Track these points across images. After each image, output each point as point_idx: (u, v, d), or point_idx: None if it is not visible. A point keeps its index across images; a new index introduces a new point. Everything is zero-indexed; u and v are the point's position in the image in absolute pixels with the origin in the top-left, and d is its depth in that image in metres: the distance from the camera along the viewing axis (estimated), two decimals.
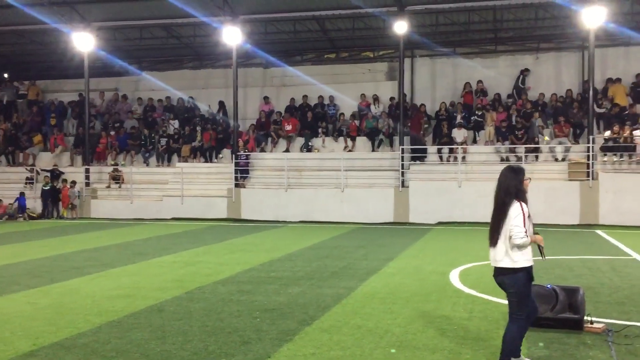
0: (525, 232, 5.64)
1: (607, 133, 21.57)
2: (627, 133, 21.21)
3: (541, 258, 6.01)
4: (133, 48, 29.32)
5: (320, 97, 26.93)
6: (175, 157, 26.82)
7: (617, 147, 21.30)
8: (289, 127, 25.77)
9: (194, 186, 24.74)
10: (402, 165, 22.88)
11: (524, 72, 25.18)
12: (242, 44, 25.09)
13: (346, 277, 11.04)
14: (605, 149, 21.38)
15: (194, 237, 17.92)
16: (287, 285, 10.25)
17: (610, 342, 6.84)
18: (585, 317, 7.47)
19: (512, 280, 5.74)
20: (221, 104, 27.91)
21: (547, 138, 22.53)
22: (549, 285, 7.73)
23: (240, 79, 26.12)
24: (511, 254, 5.70)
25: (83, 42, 25.58)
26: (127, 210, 25.04)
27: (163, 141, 27.08)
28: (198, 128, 26.96)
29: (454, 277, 11.05)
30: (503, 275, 5.79)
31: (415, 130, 24.21)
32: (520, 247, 5.65)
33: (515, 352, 5.87)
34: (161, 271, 11.86)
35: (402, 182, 22.74)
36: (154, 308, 8.61)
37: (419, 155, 23.50)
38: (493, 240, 5.80)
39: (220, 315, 8.14)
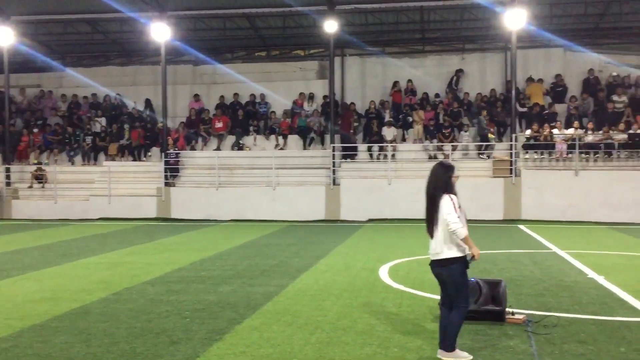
0: (459, 219, 5.95)
1: (528, 132, 22.40)
2: (547, 132, 22.09)
3: (468, 261, 6.20)
4: (56, 43, 28.38)
5: (252, 95, 26.81)
6: (102, 156, 26.12)
7: (538, 145, 22.17)
8: (219, 125, 25.53)
9: (122, 185, 24.16)
10: (334, 163, 23.07)
11: (459, 72, 25.82)
12: (170, 40, 24.67)
13: (277, 275, 11.05)
14: (527, 147, 22.21)
15: (121, 238, 17.51)
16: (218, 285, 10.17)
17: (530, 332, 7.13)
18: (507, 309, 7.77)
19: (449, 271, 6.05)
20: (147, 102, 27.36)
21: (492, 136, 23.13)
22: (473, 279, 7.96)
23: (169, 76, 25.69)
24: (447, 246, 6.01)
25: (2, 36, 24.54)
26: (51, 211, 24.20)
27: (89, 139, 26.32)
28: (126, 126, 26.33)
29: (384, 272, 11.24)
30: (440, 267, 6.08)
31: (345, 128, 24.45)
32: (457, 234, 5.92)
33: (455, 342, 6.14)
34: (86, 273, 11.54)
35: (334, 180, 22.92)
36: (79, 311, 8.38)
37: (349, 154, 23.75)
38: (430, 233, 6.14)
39: (148, 316, 8.00)
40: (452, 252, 6.02)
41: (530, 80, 24.95)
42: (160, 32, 23.58)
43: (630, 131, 21.55)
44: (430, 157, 22.86)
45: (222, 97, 26.94)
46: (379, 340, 6.90)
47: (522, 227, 19.49)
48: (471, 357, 6.12)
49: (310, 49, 28.46)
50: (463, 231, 5.94)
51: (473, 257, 6.10)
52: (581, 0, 23.78)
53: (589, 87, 24.47)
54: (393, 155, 22.97)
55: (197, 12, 25.01)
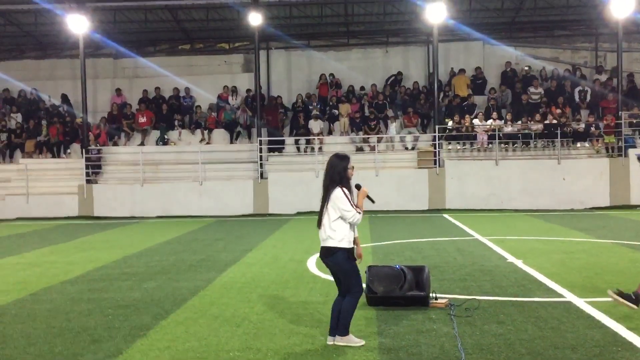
0: (356, 209, 6.13)
1: (450, 123, 22.98)
2: (467, 122, 22.72)
3: (372, 202, 6.53)
4: None
5: (176, 89, 26.32)
6: (18, 153, 25.04)
7: (460, 136, 22.78)
8: (143, 120, 24.94)
9: (41, 183, 23.25)
10: (261, 157, 22.97)
11: (399, 75, 26.06)
12: (89, 33, 23.88)
13: (204, 270, 10.91)
14: (449, 138, 22.78)
15: (40, 237, 16.85)
16: (142, 281, 9.95)
17: (452, 315, 7.32)
18: (430, 294, 7.95)
19: (334, 259, 6.19)
20: (64, 97, 26.40)
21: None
22: (397, 266, 8.12)
23: (89, 69, 24.91)
24: (333, 235, 6.15)
25: None
26: None
27: (3, 136, 25.18)
28: (43, 122, 25.35)
29: (312, 264, 11.28)
30: (327, 257, 6.23)
31: (274, 123, 24.36)
32: (356, 223, 6.18)
33: (348, 327, 6.26)
34: (2, 274, 11.04)
35: (261, 173, 22.83)
36: None
37: (277, 147, 23.70)
38: (320, 223, 6.25)
39: (68, 315, 7.73)
40: (334, 243, 6.15)
41: (454, 72, 25.57)
42: (78, 24, 22.78)
43: (546, 122, 22.44)
44: (357, 150, 23.09)
45: (145, 91, 26.32)
46: (306, 329, 6.92)
47: (446, 215, 19.99)
48: (363, 342, 6.23)
49: (235, 42, 28.20)
50: (360, 217, 6.16)
51: (369, 197, 6.40)
52: None
53: (507, 80, 25.33)
54: (320, 148, 23.07)
55: (117, 3, 24.32)
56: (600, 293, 8.36)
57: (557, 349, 6.03)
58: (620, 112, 22.01)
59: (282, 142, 23.84)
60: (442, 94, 24.24)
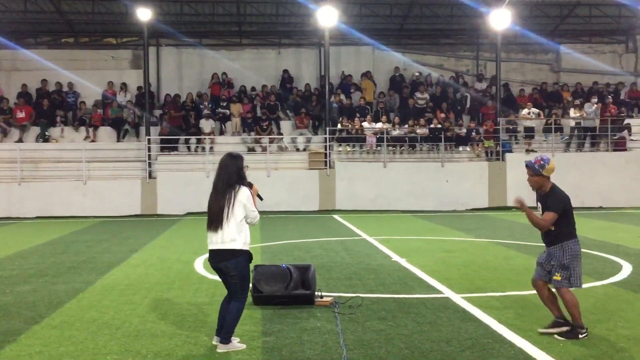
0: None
1: (339, 125, 23.40)
2: (357, 125, 23.23)
3: (261, 199, 6.54)
4: None
5: (58, 83, 25.09)
6: None
7: (350, 138, 23.25)
8: (21, 115, 23.53)
9: None
10: (149, 156, 22.36)
11: (284, 73, 26.07)
12: None
13: (85, 272, 10.47)
14: (339, 140, 23.19)
15: None
16: (16, 284, 9.40)
17: (336, 312, 7.45)
18: (316, 292, 8.05)
19: (237, 262, 6.05)
20: None
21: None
22: (283, 265, 8.16)
23: None
24: (238, 236, 6.02)
25: None
26: None
27: None
28: None
29: (199, 264, 11.12)
30: (227, 260, 6.03)
31: (175, 121, 23.71)
32: (255, 223, 6.16)
33: (232, 334, 6.19)
34: None
35: (150, 173, 22.23)
36: None
37: (169, 146, 23.15)
38: (218, 225, 6.01)
39: None
40: (240, 245, 6.05)
41: (364, 75, 26.08)
42: None
43: (431, 126, 23.36)
44: (248, 150, 22.99)
45: (24, 85, 24.89)
46: (189, 330, 6.81)
47: (336, 216, 20.32)
48: (244, 346, 6.19)
49: (123, 38, 27.25)
50: (259, 216, 6.23)
51: (259, 195, 6.50)
52: (387, 1, 25.26)
53: (395, 85, 26.14)
54: (211, 148, 22.78)
55: None
56: (476, 289, 8.81)
57: (433, 342, 6.29)
58: (498, 119, 23.29)
59: (177, 141, 23.27)
60: (332, 96, 24.62)
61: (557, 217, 6.42)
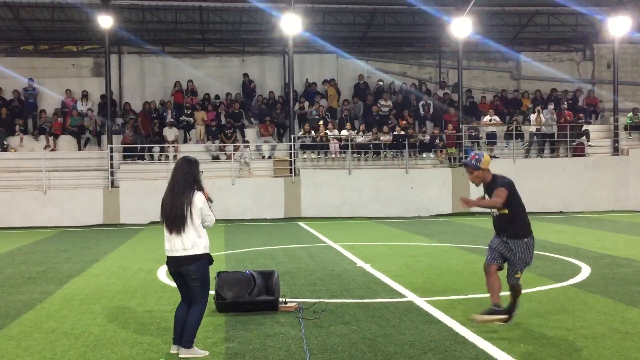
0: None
1: (300, 132, 23.43)
2: (322, 132, 23.28)
3: (211, 202, 6.40)
4: None
5: (16, 91, 24.58)
6: None
7: (315, 146, 23.28)
8: None
9: None
10: (112, 164, 22.05)
11: (245, 77, 25.99)
12: None
13: (44, 282, 10.25)
14: (304, 147, 23.20)
15: None
16: None
17: (300, 318, 7.43)
18: (280, 298, 8.02)
19: (198, 266, 6.07)
20: None
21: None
22: (247, 271, 8.11)
23: None
24: (198, 242, 6.05)
25: None
26: None
27: None
28: None
29: (162, 273, 10.97)
30: (188, 264, 6.04)
31: (145, 129, 23.46)
32: (211, 226, 6.17)
33: (194, 339, 6.15)
34: None
35: (112, 182, 21.91)
36: None
37: (132, 154, 22.86)
38: (180, 229, 6.01)
39: None
40: (201, 250, 6.08)
41: (327, 82, 26.11)
42: None
43: (395, 133, 23.54)
44: (213, 158, 22.84)
45: None
46: (151, 338, 6.72)
47: (301, 224, 20.29)
48: (207, 352, 6.14)
49: (84, 45, 26.83)
50: (215, 220, 6.26)
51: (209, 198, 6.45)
52: (350, 10, 25.42)
53: (359, 92, 26.28)
54: (175, 157, 22.53)
55: None
56: (439, 293, 8.89)
57: (396, 345, 6.31)
58: (460, 125, 23.59)
59: (143, 149, 22.97)
60: (297, 104, 24.63)
61: (507, 193, 6.60)
